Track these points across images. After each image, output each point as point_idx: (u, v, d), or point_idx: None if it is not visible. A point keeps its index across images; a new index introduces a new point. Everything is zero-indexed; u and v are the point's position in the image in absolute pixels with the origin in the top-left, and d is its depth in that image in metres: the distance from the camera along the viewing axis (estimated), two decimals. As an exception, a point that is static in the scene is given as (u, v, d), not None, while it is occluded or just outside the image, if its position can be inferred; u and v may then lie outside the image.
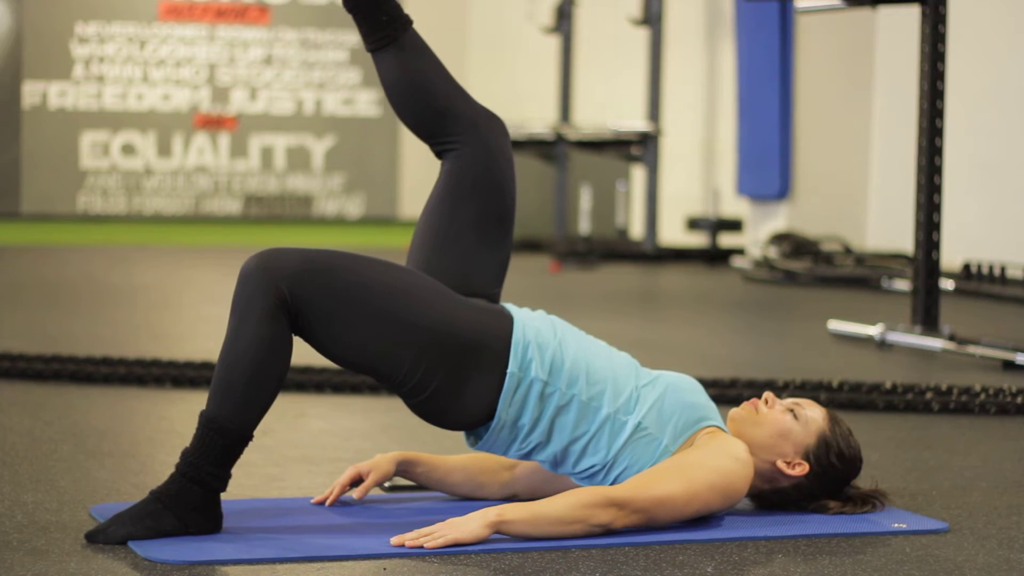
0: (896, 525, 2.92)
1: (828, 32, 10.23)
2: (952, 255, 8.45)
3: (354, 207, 14.84)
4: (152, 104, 14.36)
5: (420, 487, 3.16)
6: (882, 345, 5.96)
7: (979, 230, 8.85)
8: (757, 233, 10.85)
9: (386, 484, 3.17)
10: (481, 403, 2.83)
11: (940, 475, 3.50)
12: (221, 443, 2.73)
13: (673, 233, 11.90)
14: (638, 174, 12.05)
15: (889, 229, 9.67)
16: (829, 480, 2.98)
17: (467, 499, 3.10)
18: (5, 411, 4.17)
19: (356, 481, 3.09)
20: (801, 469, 2.96)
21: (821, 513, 2.99)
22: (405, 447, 3.69)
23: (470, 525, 2.70)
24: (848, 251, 9.59)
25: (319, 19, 14.61)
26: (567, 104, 11.98)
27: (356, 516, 2.96)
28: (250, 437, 2.76)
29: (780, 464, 2.96)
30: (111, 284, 8.34)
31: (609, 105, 12.64)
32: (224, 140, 14.53)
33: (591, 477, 2.90)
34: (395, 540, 2.70)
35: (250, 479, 3.28)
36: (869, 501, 3.02)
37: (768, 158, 10.74)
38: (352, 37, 14.59)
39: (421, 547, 2.68)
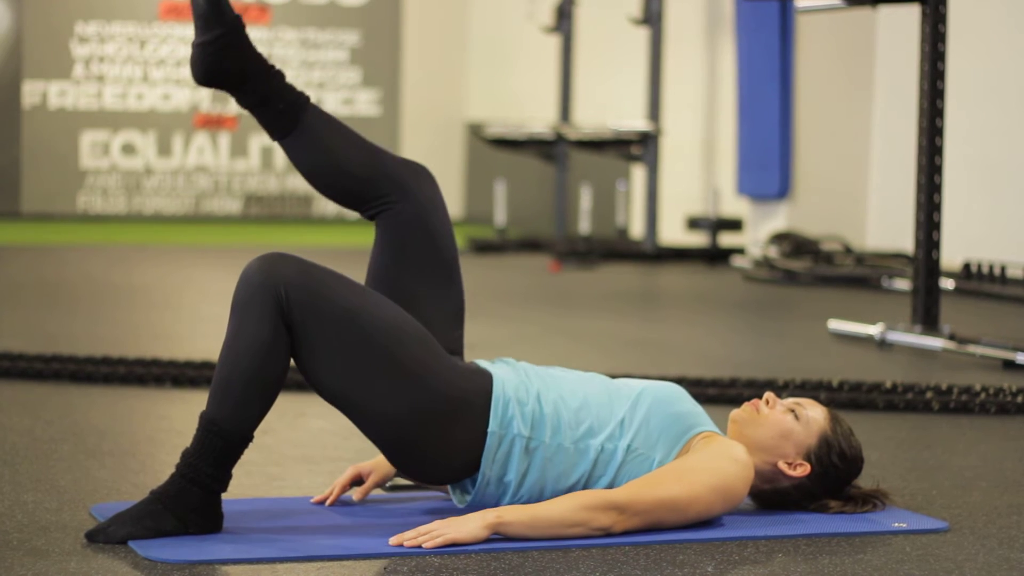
0: (896, 524, 2.92)
1: (828, 32, 10.23)
2: (952, 255, 8.44)
3: (354, 207, 14.84)
4: (152, 104, 14.35)
5: (421, 486, 3.15)
6: (882, 345, 5.96)
7: (979, 230, 8.84)
8: (757, 233, 10.85)
9: (387, 484, 3.17)
10: (461, 459, 2.81)
11: (940, 475, 3.50)
12: (221, 444, 2.73)
13: (673, 233, 11.89)
14: (638, 174, 12.04)
15: (889, 229, 9.67)
16: (830, 480, 2.98)
17: (467, 499, 3.10)
18: (5, 411, 4.17)
19: (357, 481, 3.09)
20: (802, 469, 2.96)
21: (822, 513, 2.99)
22: (405, 447, 3.69)
23: (469, 525, 2.70)
24: (848, 251, 9.58)
25: (319, 19, 14.61)
26: (567, 104, 11.98)
27: (356, 516, 2.96)
28: (250, 438, 2.76)
29: (781, 465, 2.96)
30: (111, 284, 8.33)
31: (609, 105, 12.63)
32: (224, 140, 14.53)
33: None
34: (394, 540, 2.70)
35: (250, 479, 3.28)
36: (870, 501, 3.02)
37: (768, 158, 10.74)
38: (352, 37, 14.59)
39: (419, 547, 2.68)
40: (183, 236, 12.67)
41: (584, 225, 10.98)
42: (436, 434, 2.77)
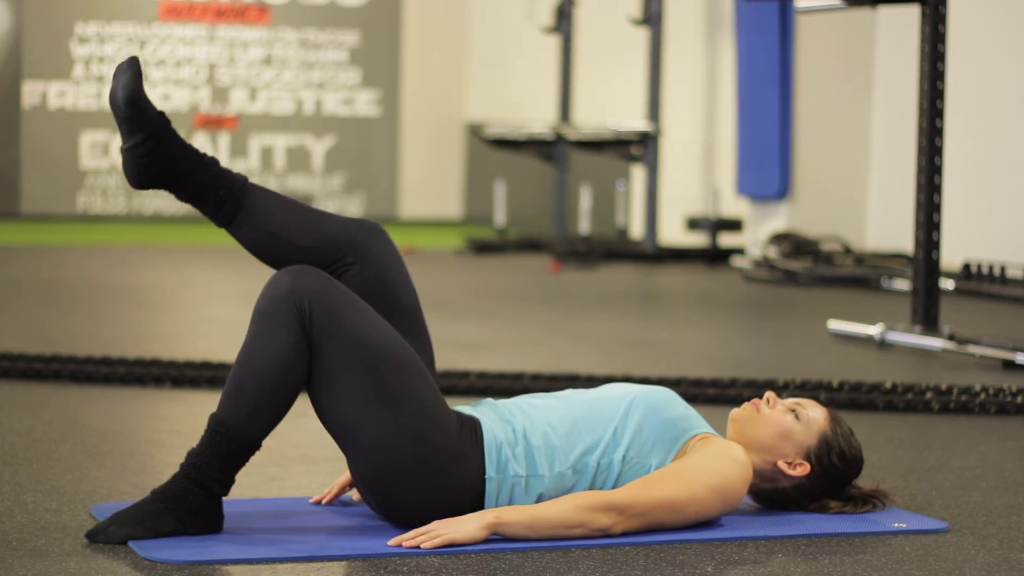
0: (896, 525, 2.92)
1: (828, 32, 10.23)
2: (952, 255, 8.44)
3: (354, 207, 14.84)
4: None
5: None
6: (882, 345, 5.96)
7: (979, 230, 8.84)
8: (757, 233, 10.85)
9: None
10: (463, 504, 2.79)
11: (940, 475, 3.50)
12: (228, 448, 2.72)
13: (673, 233, 11.89)
14: (638, 174, 12.04)
15: (889, 229, 9.67)
16: (830, 480, 2.98)
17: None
18: (5, 411, 4.17)
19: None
20: (802, 469, 2.96)
21: (822, 513, 2.99)
22: (405, 447, 3.68)
23: (468, 526, 2.69)
24: (848, 251, 9.58)
25: (319, 19, 14.61)
26: (567, 104, 11.98)
27: (356, 516, 2.96)
28: (258, 446, 2.75)
29: (781, 464, 2.96)
30: (111, 284, 8.33)
31: (609, 105, 12.63)
32: (224, 140, 14.53)
33: None
34: (393, 541, 2.70)
35: (250, 479, 3.28)
36: (870, 501, 3.02)
37: (768, 158, 10.74)
38: (352, 37, 14.59)
39: (418, 547, 2.68)
40: (183, 236, 12.66)
41: (584, 225, 10.98)
42: (435, 477, 2.76)
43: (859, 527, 2.89)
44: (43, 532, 2.76)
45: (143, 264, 9.74)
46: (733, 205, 11.39)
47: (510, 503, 2.81)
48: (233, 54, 14.52)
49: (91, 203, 14.23)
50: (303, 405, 4.37)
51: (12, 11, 13.99)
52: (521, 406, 2.92)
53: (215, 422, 2.72)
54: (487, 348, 5.86)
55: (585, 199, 11.08)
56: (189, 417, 4.13)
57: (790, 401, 3.02)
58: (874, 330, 6.02)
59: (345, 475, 3.08)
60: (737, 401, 4.39)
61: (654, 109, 11.12)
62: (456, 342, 5.83)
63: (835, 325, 6.36)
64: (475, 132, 12.16)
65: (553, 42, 12.64)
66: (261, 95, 14.60)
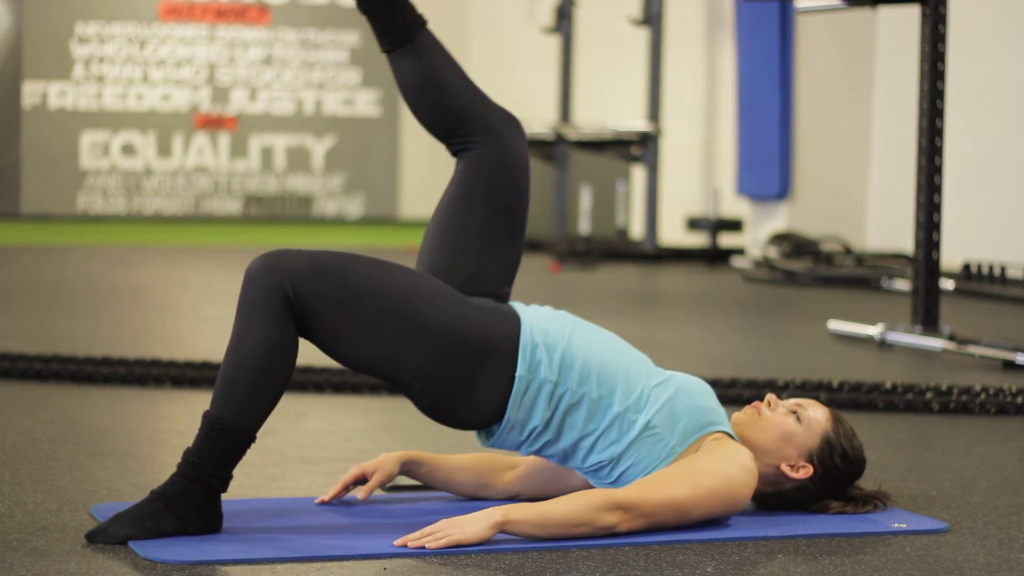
0: (896, 525, 2.92)
1: (828, 32, 10.23)
2: (952, 255, 8.45)
3: (354, 207, 14.84)
4: (152, 104, 14.36)
5: (424, 487, 3.16)
6: (882, 345, 5.96)
7: (979, 230, 8.84)
8: (757, 233, 10.85)
9: (387, 485, 3.17)
10: (490, 406, 2.82)
11: (940, 475, 3.50)
12: (224, 444, 2.73)
13: (673, 233, 11.90)
14: (638, 174, 12.05)
15: (889, 229, 9.67)
16: (833, 481, 2.98)
17: (471, 499, 3.10)
18: (5, 411, 4.17)
19: (360, 480, 3.09)
20: (805, 472, 2.96)
21: (822, 513, 2.99)
22: (406, 447, 3.69)
23: (474, 526, 2.69)
24: (848, 251, 9.59)
25: (319, 19, 14.61)
26: (567, 104, 11.98)
27: (357, 516, 2.96)
28: (253, 439, 2.76)
29: (784, 467, 2.96)
30: (111, 284, 8.33)
31: (609, 105, 12.64)
32: (224, 140, 14.53)
33: (597, 471, 2.89)
34: (399, 541, 2.70)
35: (250, 479, 3.28)
36: (871, 501, 3.02)
37: (768, 158, 10.74)
38: (352, 37, 14.59)
39: (424, 547, 2.68)
40: (183, 236, 12.67)
41: (584, 225, 10.98)
42: (464, 383, 2.79)
43: (859, 527, 2.89)
44: (43, 532, 2.76)
45: (143, 264, 9.75)
46: (733, 205, 11.39)
47: (532, 411, 2.82)
48: (233, 54, 14.53)
49: (91, 203, 14.23)
50: (303, 405, 4.38)
51: (12, 11, 13.99)
52: (581, 323, 2.93)
53: (209, 419, 2.73)
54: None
55: (585, 199, 11.08)
56: (189, 417, 4.13)
57: (791, 402, 3.02)
58: (874, 330, 6.02)
59: (349, 473, 3.08)
60: (737, 401, 4.39)
61: (654, 109, 11.13)
62: (456, 342, 5.82)
63: (835, 325, 6.36)
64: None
65: (553, 42, 12.64)
66: (261, 95, 14.60)
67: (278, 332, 2.72)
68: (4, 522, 2.83)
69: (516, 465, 3.09)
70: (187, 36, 14.37)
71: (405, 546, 2.68)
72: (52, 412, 4.17)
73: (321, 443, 3.82)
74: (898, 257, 9.13)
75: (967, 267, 8.25)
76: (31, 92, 14.06)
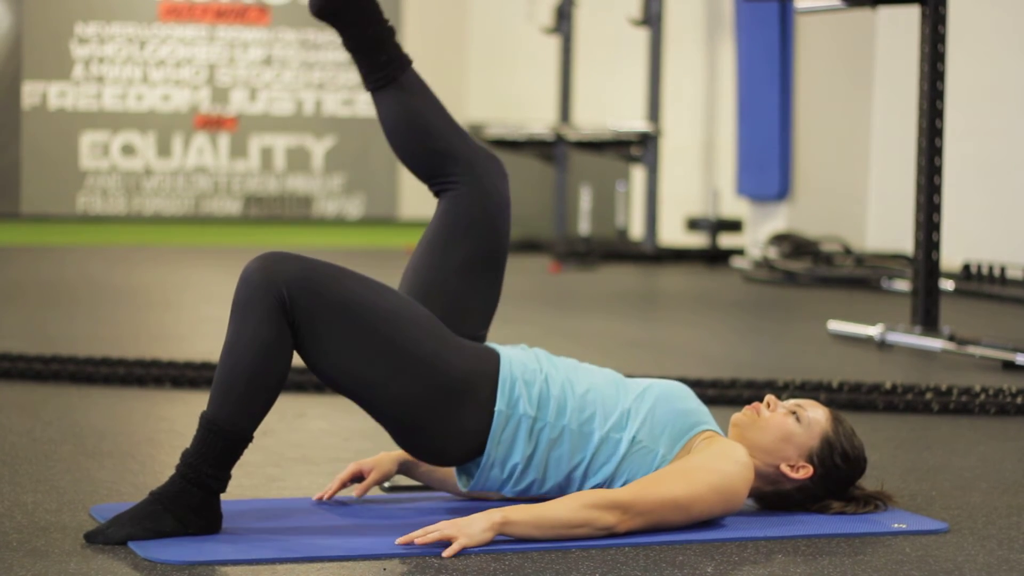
0: (896, 525, 2.92)
1: (828, 32, 10.23)
2: (952, 255, 8.45)
3: (354, 207, 14.84)
4: (152, 104, 14.36)
5: (422, 486, 3.16)
6: (882, 345, 5.96)
7: (979, 230, 8.84)
8: (757, 233, 10.85)
9: (386, 484, 3.17)
10: (468, 440, 2.82)
11: (940, 476, 3.50)
12: (221, 444, 2.73)
13: (673, 233, 11.90)
14: (638, 174, 12.05)
15: (889, 229, 9.67)
16: (833, 481, 2.98)
17: (468, 499, 3.10)
18: (5, 411, 4.17)
19: (357, 478, 3.09)
20: (805, 472, 2.96)
21: (823, 513, 2.99)
22: (405, 447, 3.69)
23: (474, 527, 2.69)
24: (848, 251, 9.59)
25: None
26: (567, 104, 11.98)
27: (356, 516, 2.96)
28: (250, 439, 2.76)
29: (784, 467, 2.96)
30: (111, 284, 8.33)
31: (609, 105, 12.64)
32: (224, 140, 14.53)
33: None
34: (401, 540, 2.69)
35: (250, 479, 3.28)
36: (871, 501, 3.02)
37: (768, 158, 10.74)
38: (352, 37, 14.59)
39: (425, 545, 2.67)
40: (183, 237, 12.67)
41: (584, 226, 10.99)
42: (443, 416, 2.79)
43: (859, 528, 2.89)
44: (43, 532, 2.76)
45: (143, 264, 9.75)
46: (733, 205, 11.39)
47: (511, 447, 2.83)
48: (233, 54, 14.53)
49: (91, 203, 14.23)
50: (303, 406, 4.38)
51: (12, 11, 13.98)
52: (551, 358, 2.95)
53: (206, 420, 2.73)
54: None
55: (585, 199, 11.08)
56: (189, 417, 4.13)
57: (791, 403, 3.02)
58: (874, 330, 6.02)
59: (346, 471, 3.09)
60: (737, 402, 4.39)
61: (654, 109, 11.13)
62: (456, 342, 5.82)
63: (835, 325, 6.36)
64: (475, 132, 12.16)
65: (553, 42, 12.64)
66: (261, 95, 14.60)
67: (272, 333, 2.72)
68: (4, 522, 2.83)
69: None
70: (187, 36, 14.37)
71: (411, 543, 2.66)
72: (52, 412, 4.17)
73: (320, 443, 3.82)
74: (898, 257, 9.13)
75: (967, 267, 8.25)
76: (31, 92, 14.06)
